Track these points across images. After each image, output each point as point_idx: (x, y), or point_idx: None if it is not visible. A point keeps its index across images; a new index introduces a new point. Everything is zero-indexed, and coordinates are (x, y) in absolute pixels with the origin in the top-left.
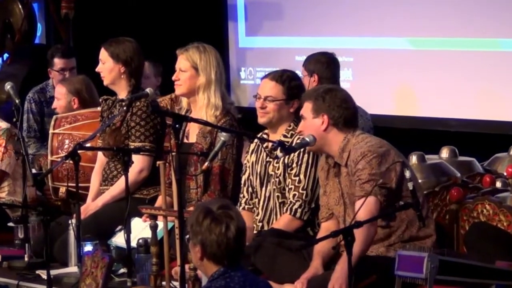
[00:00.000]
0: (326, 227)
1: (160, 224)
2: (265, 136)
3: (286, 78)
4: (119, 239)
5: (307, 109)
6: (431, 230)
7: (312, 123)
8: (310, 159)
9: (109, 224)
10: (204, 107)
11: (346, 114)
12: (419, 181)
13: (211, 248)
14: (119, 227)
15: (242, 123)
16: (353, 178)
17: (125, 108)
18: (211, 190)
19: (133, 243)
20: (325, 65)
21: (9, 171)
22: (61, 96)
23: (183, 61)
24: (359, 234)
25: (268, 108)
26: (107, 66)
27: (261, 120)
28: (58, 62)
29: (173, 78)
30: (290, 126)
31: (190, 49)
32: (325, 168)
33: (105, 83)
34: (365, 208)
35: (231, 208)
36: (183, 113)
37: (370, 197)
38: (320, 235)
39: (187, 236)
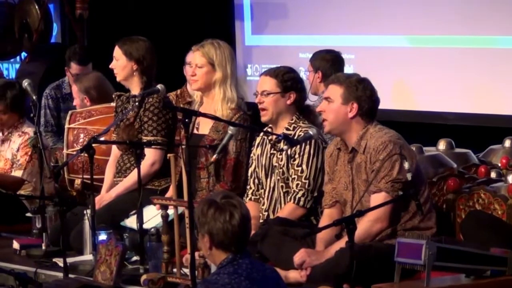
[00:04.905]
0: (328, 213)
1: (171, 212)
2: (269, 130)
3: (279, 72)
4: (131, 223)
5: (336, 93)
6: (432, 223)
7: (339, 108)
8: (312, 150)
9: (122, 214)
10: (220, 101)
11: (373, 106)
12: None
13: (218, 236)
14: (134, 211)
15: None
16: (372, 166)
17: (137, 103)
18: (223, 181)
19: (146, 225)
20: (330, 62)
21: (30, 179)
22: (75, 94)
23: (199, 57)
24: (362, 226)
25: (266, 103)
26: (120, 63)
27: (263, 118)
28: (74, 67)
29: (190, 73)
30: (292, 119)
31: (205, 45)
32: (334, 154)
33: (118, 79)
34: (375, 203)
35: (234, 197)
36: (196, 105)
37: (382, 193)
38: (322, 221)
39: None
